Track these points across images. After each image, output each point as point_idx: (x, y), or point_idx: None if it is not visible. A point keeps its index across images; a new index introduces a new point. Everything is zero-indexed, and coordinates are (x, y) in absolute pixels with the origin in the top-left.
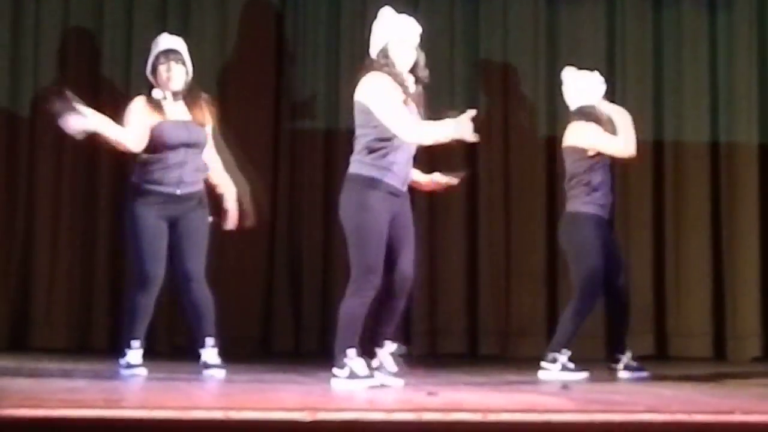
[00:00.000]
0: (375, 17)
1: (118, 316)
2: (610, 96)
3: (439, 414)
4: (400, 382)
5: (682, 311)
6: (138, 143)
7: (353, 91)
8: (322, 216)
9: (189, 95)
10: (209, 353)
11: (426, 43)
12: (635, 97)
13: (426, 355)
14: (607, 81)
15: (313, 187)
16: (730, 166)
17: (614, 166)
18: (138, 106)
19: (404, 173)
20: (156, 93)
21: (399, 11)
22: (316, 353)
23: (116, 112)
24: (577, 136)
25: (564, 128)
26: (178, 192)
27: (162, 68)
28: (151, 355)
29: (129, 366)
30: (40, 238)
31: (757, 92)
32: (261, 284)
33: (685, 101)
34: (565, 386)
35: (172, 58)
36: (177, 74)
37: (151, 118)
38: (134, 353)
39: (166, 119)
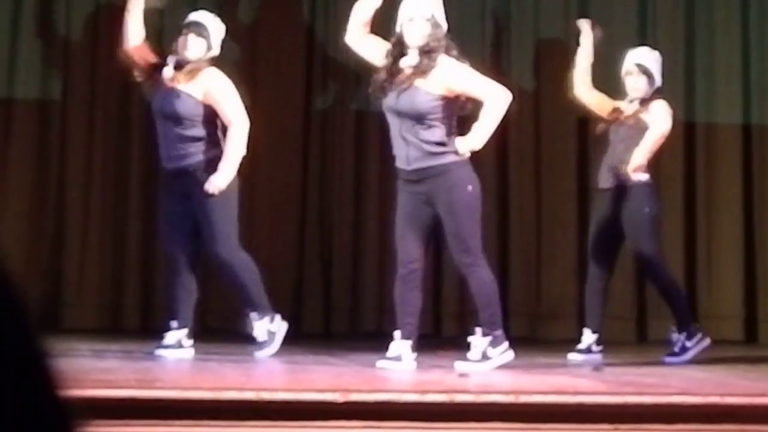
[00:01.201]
0: None
1: (149, 297)
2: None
3: (471, 395)
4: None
5: (713, 293)
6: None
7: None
8: (352, 197)
9: (195, 67)
10: (259, 327)
11: (455, 14)
12: (666, 76)
13: (457, 336)
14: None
15: (344, 168)
16: (763, 147)
17: None
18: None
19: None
20: (168, 60)
21: None
22: (346, 334)
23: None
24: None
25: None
26: (169, 167)
27: (180, 38)
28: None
29: (160, 346)
30: (71, 220)
31: None
32: (291, 264)
33: (718, 82)
34: (597, 368)
35: (193, 30)
36: (192, 44)
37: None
38: (171, 334)
39: (160, 87)
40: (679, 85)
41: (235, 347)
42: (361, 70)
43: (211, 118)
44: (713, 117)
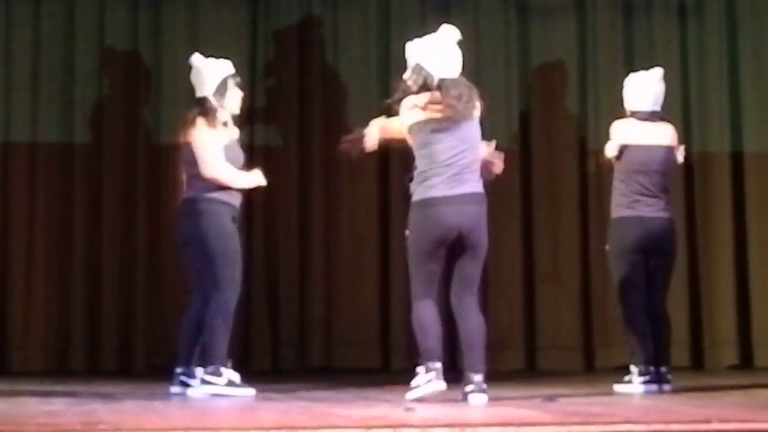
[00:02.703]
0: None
1: (96, 338)
2: (583, 104)
3: (416, 429)
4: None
5: None
6: None
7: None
8: (298, 234)
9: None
10: (233, 373)
11: (399, 55)
12: (607, 105)
13: (405, 371)
14: (579, 89)
15: (288, 206)
16: (704, 175)
17: None
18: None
19: None
20: (223, 115)
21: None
22: (294, 370)
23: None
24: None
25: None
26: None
27: (233, 93)
28: (127, 375)
29: (235, 385)
30: (15, 261)
31: (728, 102)
32: (238, 303)
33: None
34: (549, 398)
35: (236, 83)
36: (239, 97)
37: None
38: (230, 371)
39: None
40: (619, 115)
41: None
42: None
43: None
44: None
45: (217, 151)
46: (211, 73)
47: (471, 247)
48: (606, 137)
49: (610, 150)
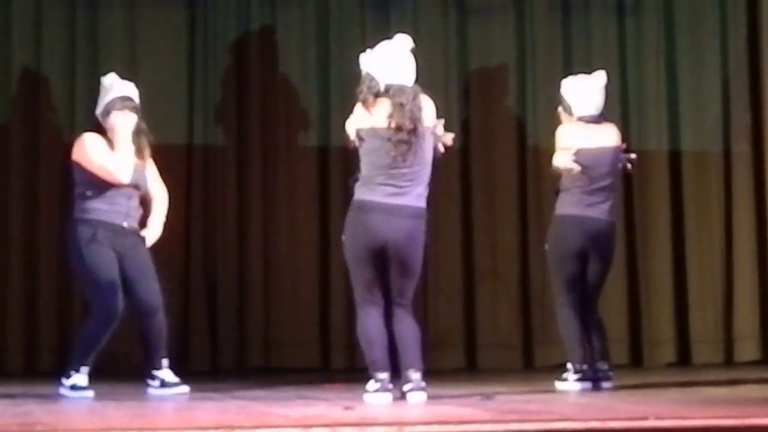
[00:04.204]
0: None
1: (35, 337)
2: (522, 104)
3: (355, 428)
4: None
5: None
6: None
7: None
8: (236, 234)
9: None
10: (167, 373)
11: (337, 55)
12: (546, 104)
13: (345, 369)
14: (518, 88)
15: (226, 205)
16: (642, 173)
17: None
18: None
19: None
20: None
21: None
22: (233, 370)
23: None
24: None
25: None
26: (125, 224)
27: (117, 115)
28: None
29: (76, 388)
30: None
31: (666, 99)
32: (177, 303)
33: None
34: (486, 397)
35: (129, 106)
36: (130, 122)
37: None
38: (81, 376)
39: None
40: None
41: (121, 387)
42: (241, 100)
43: None
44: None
45: (102, 151)
46: (104, 94)
47: (401, 263)
48: (544, 134)
49: (567, 162)
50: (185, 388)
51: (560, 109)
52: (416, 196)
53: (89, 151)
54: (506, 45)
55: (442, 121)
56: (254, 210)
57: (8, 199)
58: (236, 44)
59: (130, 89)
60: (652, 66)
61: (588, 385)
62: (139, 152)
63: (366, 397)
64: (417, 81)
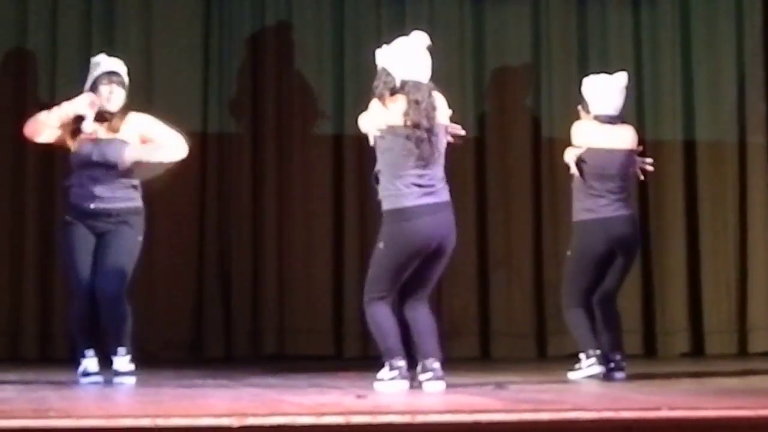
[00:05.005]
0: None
1: (50, 325)
2: (537, 95)
3: (367, 417)
4: None
5: None
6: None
7: (284, 94)
8: (251, 221)
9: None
10: (120, 361)
11: (353, 45)
12: (561, 95)
13: (358, 358)
14: (533, 80)
15: (241, 193)
16: (656, 163)
17: None
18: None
19: None
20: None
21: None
22: (247, 358)
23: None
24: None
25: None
26: (92, 206)
27: (104, 89)
28: (78, 363)
29: (86, 374)
30: None
31: (681, 89)
32: (191, 289)
33: None
34: (499, 386)
35: (114, 81)
36: (116, 96)
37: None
38: (89, 361)
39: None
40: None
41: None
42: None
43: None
44: None
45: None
46: (93, 70)
47: (443, 257)
48: (559, 125)
49: (571, 160)
50: (131, 380)
51: (580, 107)
52: (442, 190)
53: None
54: (522, 36)
55: (450, 112)
56: (269, 198)
57: (25, 189)
58: (252, 34)
59: (117, 65)
60: (668, 56)
61: (601, 369)
62: (110, 128)
63: (381, 385)
64: (432, 73)
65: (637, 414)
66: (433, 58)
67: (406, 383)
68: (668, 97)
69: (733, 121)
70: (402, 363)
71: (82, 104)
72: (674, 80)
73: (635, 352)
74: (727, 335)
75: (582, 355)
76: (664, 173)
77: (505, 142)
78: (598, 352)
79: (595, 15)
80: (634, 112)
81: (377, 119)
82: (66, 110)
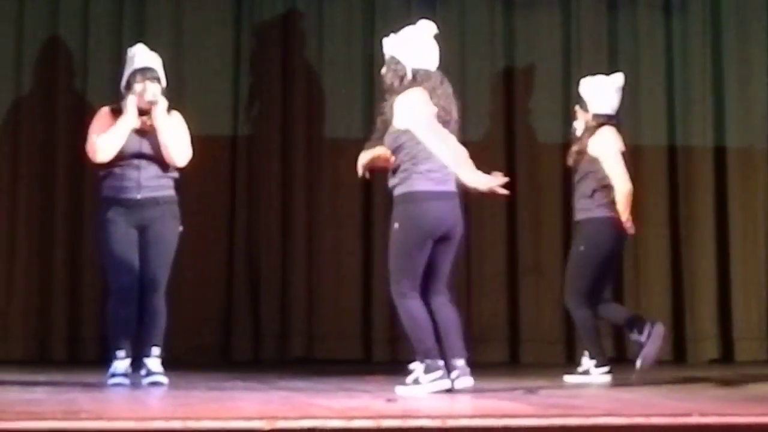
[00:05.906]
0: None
1: (79, 327)
2: (567, 99)
3: (398, 420)
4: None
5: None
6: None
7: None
8: (280, 225)
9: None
10: (154, 362)
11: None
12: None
13: (387, 362)
14: (563, 83)
15: (271, 196)
16: (686, 169)
17: None
18: (105, 114)
19: None
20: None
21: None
22: (276, 361)
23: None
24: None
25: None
26: (139, 197)
27: (138, 86)
28: (108, 365)
29: (114, 375)
30: None
31: (711, 96)
32: (220, 293)
33: (642, 105)
34: (529, 391)
35: (148, 77)
36: (152, 91)
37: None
38: (120, 363)
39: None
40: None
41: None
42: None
43: None
44: (638, 139)
45: (96, 128)
46: (127, 67)
47: (455, 245)
48: None
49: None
50: (164, 380)
51: (578, 106)
52: (453, 180)
53: (91, 127)
54: (552, 40)
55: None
56: (298, 201)
57: (55, 189)
58: (282, 37)
59: (152, 59)
60: (699, 62)
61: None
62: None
63: (425, 387)
64: (463, 74)
65: (668, 420)
66: (463, 63)
67: (448, 383)
68: (699, 103)
69: (764, 127)
70: (442, 363)
71: (133, 117)
72: (705, 86)
73: (664, 358)
74: (756, 342)
75: (585, 359)
76: (694, 179)
77: (535, 146)
78: (608, 359)
79: (625, 21)
80: (664, 117)
81: (427, 111)
82: (123, 130)
